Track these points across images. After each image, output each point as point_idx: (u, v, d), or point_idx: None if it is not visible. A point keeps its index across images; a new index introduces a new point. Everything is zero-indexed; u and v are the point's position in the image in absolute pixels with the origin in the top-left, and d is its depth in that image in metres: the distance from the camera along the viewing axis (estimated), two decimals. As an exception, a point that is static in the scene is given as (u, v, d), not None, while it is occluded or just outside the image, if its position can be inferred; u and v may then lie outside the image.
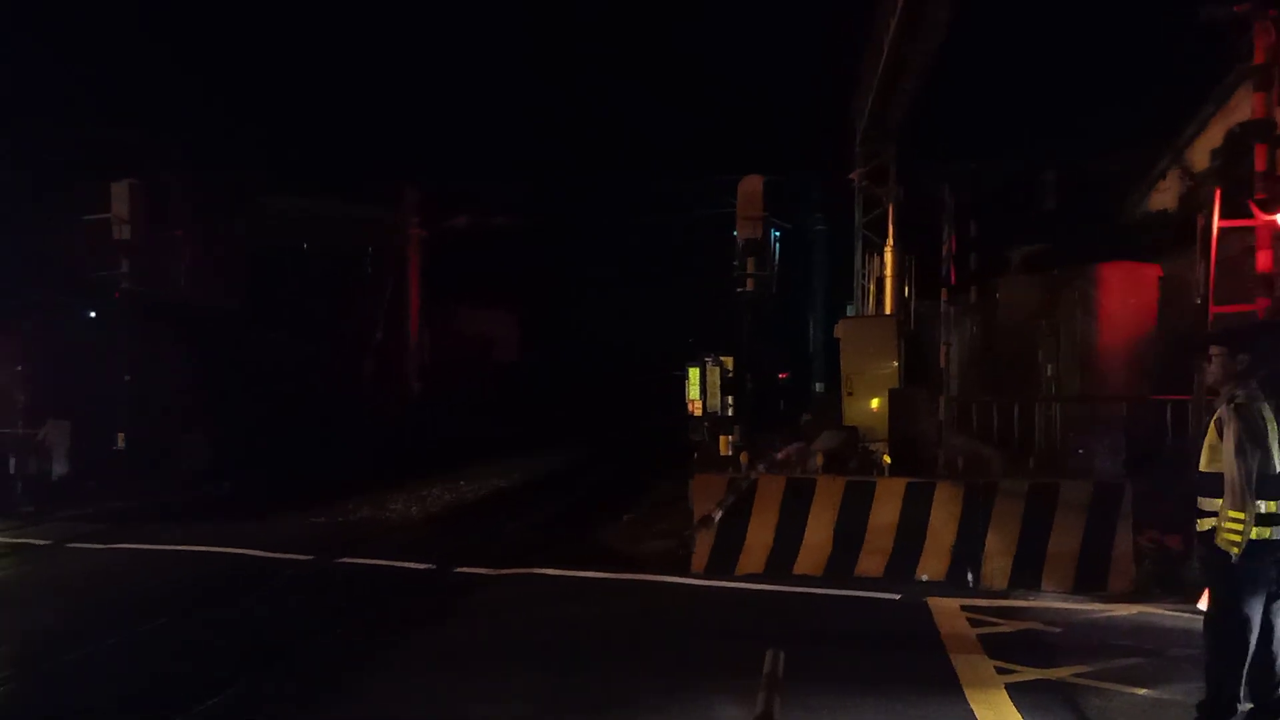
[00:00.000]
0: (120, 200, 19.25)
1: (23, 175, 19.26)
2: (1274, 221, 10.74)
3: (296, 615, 9.19)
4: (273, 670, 7.42)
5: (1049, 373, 14.08)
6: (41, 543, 12.67)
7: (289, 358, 22.94)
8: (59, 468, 16.92)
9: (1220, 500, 5.62)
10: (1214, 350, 6.01)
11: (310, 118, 25.54)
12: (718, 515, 9.85)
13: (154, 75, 21.69)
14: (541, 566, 10.82)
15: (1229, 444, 5.58)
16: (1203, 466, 5.86)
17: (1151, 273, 13.32)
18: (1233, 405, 5.65)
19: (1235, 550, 5.50)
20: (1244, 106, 12.88)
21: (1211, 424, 5.84)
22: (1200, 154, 18.55)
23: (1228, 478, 5.57)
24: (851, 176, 20.99)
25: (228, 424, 19.80)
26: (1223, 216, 10.93)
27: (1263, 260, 11.09)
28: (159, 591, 10.02)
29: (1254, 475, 5.53)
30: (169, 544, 12.38)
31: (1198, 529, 5.94)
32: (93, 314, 19.45)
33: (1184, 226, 12.83)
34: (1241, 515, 5.50)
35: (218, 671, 7.24)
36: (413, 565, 11.09)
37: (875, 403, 15.60)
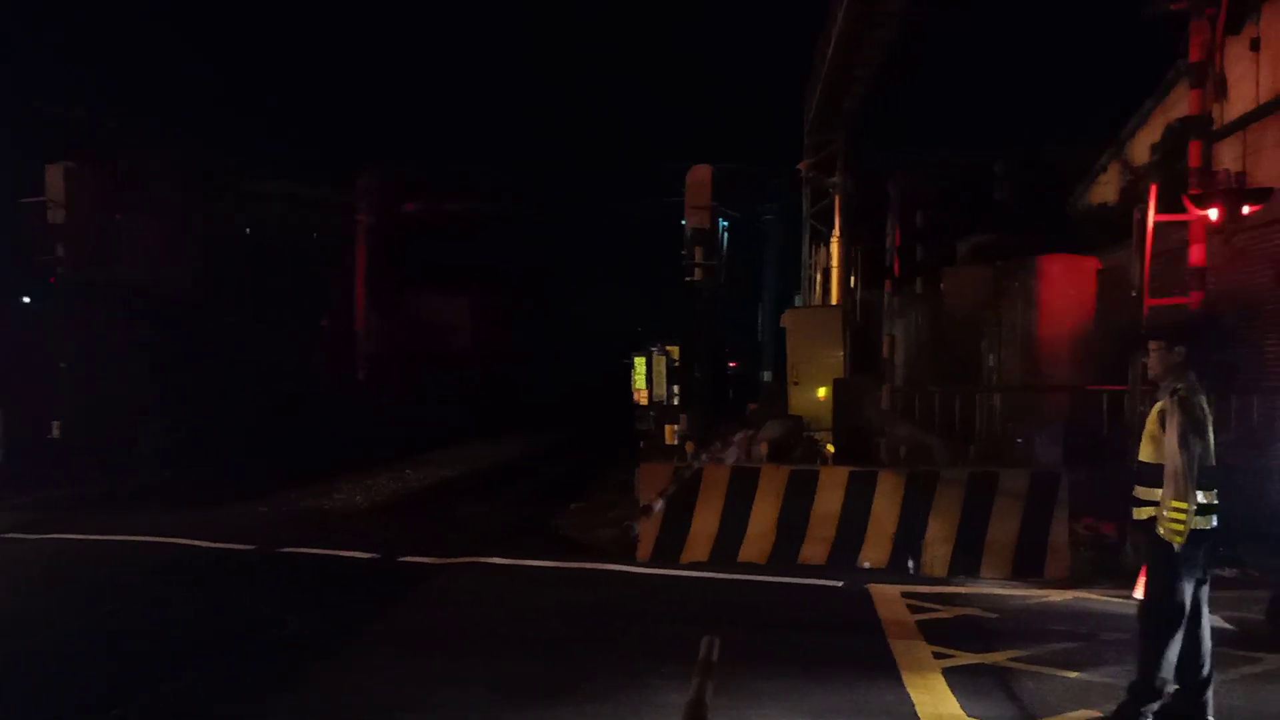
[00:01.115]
0: (55, 183, 18.80)
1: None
2: (1207, 216, 10.98)
3: (240, 606, 9.03)
4: (217, 661, 7.29)
5: (991, 363, 14.31)
6: (-28, 533, 12.36)
7: (238, 344, 22.55)
8: (-7, 456, 16.52)
9: (1160, 490, 5.72)
10: (1153, 344, 6.10)
11: (278, 102, 25.15)
12: (658, 505, 9.88)
13: (105, 55, 21.19)
14: (488, 555, 10.77)
15: (1172, 435, 5.67)
16: (1144, 457, 5.95)
17: (1090, 265, 13.58)
18: (1176, 397, 5.74)
19: (1178, 539, 5.60)
20: (1184, 102, 13.14)
21: (1153, 415, 5.93)
22: (1141, 148, 18.89)
23: (1170, 468, 5.67)
24: (799, 167, 21.10)
25: (172, 411, 19.44)
26: (1159, 211, 11.16)
27: (1196, 254, 11.34)
28: (95, 583, 9.81)
29: (1196, 466, 5.64)
30: (106, 534, 12.07)
31: (1135, 518, 6.05)
32: (27, 300, 18.97)
33: (1124, 220, 13.07)
34: (1184, 505, 5.61)
35: (160, 664, 7.11)
36: (358, 555, 10.98)
37: (822, 392, 15.73)
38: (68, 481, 15.92)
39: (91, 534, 12.14)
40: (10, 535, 12.23)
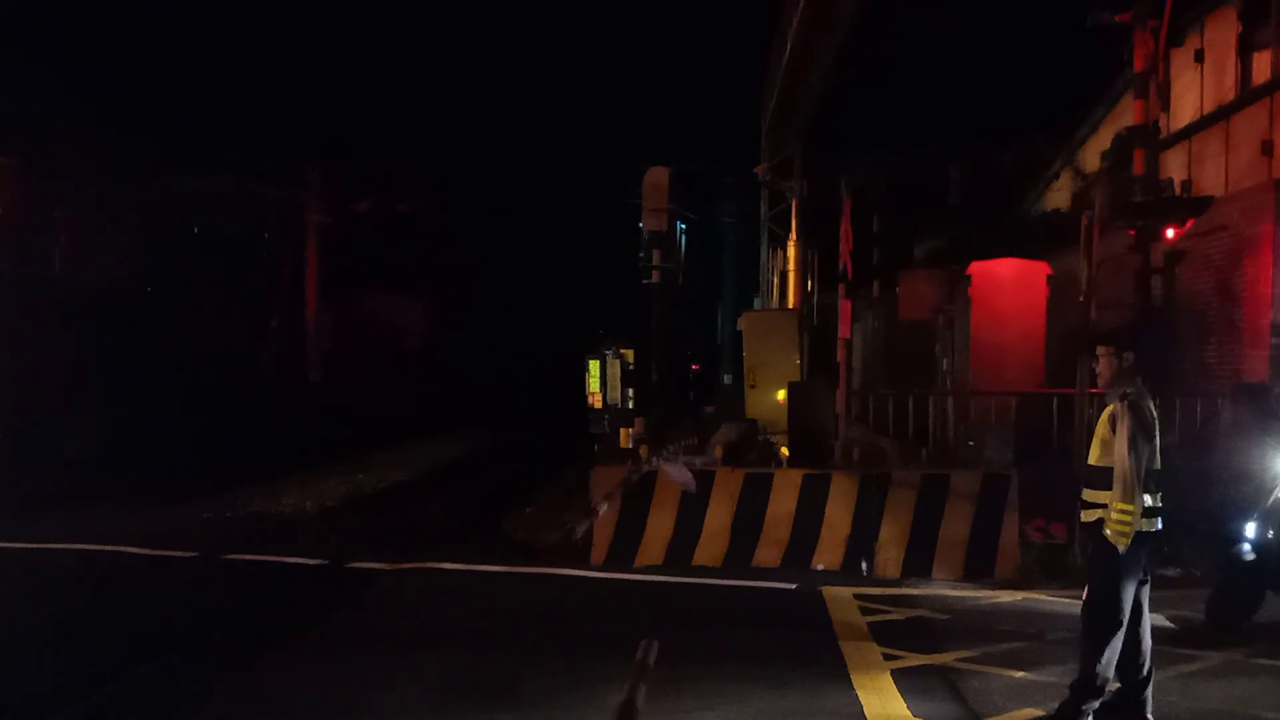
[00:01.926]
0: (-10, 177, 18.34)
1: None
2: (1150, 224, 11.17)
3: (180, 614, 8.84)
4: (155, 668, 7.12)
5: (945, 366, 14.44)
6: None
7: (179, 342, 22.09)
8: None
9: (1107, 493, 5.77)
10: (1101, 349, 6.15)
11: (209, 92, 24.65)
12: (603, 507, 9.86)
13: (33, 41, 20.67)
14: (439, 560, 10.65)
15: (1122, 439, 5.73)
16: (1092, 460, 6.01)
17: (1040, 269, 13.74)
18: (1126, 402, 5.79)
19: (1124, 541, 5.66)
20: (1131, 111, 13.35)
21: (1103, 419, 5.98)
22: (1091, 155, 19.24)
23: (1118, 471, 5.72)
24: (757, 170, 21.18)
25: (113, 411, 18.98)
26: (1104, 217, 11.33)
27: (1140, 261, 11.53)
28: (34, 591, 9.57)
29: (1143, 470, 5.71)
30: (41, 541, 11.62)
31: (1083, 520, 6.13)
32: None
33: (1075, 225, 13.27)
34: (1130, 507, 5.66)
35: (94, 672, 6.95)
36: (305, 561, 10.79)
37: (781, 394, 15.77)
38: (5, 485, 15.46)
39: (21, 541, 11.62)
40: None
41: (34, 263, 19.31)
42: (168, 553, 11.11)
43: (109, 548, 11.37)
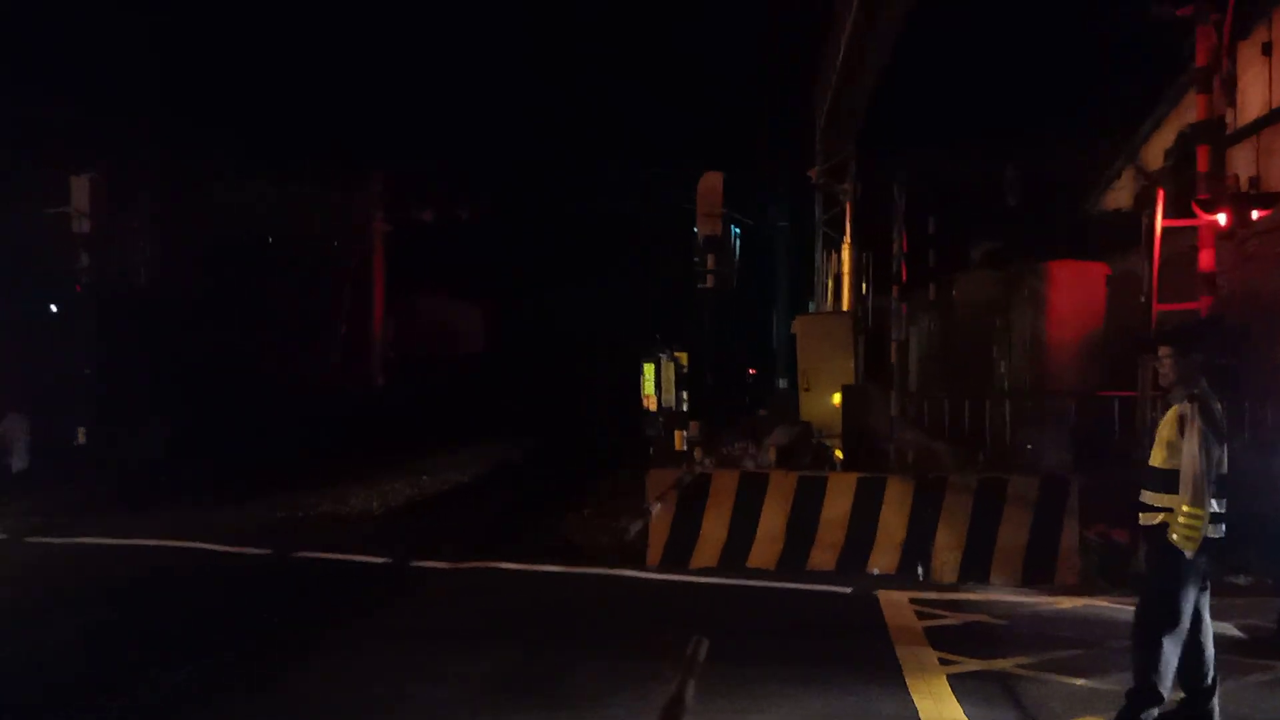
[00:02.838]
0: (80, 194, 19.01)
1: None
2: (1215, 221, 10.97)
3: (249, 606, 9.20)
4: (222, 657, 7.48)
5: (1002, 369, 14.30)
6: (-3, 537, 12.54)
7: (251, 349, 22.73)
8: (18, 462, 16.73)
9: (1171, 496, 5.68)
10: (1164, 350, 6.04)
11: (282, 106, 25.20)
12: (656, 508, 9.94)
13: (116, 62, 21.35)
14: (499, 560, 10.85)
15: (1191, 441, 5.61)
16: (1155, 462, 5.89)
17: (1099, 271, 13.57)
18: (1197, 403, 5.69)
19: (1192, 546, 5.56)
20: (1196, 107, 13.12)
21: (1168, 421, 5.86)
22: (1155, 153, 18.85)
23: (1187, 474, 5.61)
24: (810, 174, 21.13)
25: (188, 416, 19.60)
26: (1170, 216, 11.16)
27: (1205, 259, 11.32)
28: (115, 584, 10.03)
29: (1214, 473, 5.60)
30: (127, 538, 12.25)
31: (1144, 523, 5.99)
32: (53, 307, 19.21)
33: (1137, 225, 13.08)
34: (1200, 512, 5.55)
35: (168, 659, 7.30)
36: (370, 559, 11.09)
37: (835, 398, 15.74)
38: (91, 486, 16.10)
39: (112, 538, 12.31)
40: (35, 539, 12.43)
41: (113, 273, 19.99)
42: (242, 549, 11.58)
43: (187, 544, 11.88)
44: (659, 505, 9.86)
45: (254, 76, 24.57)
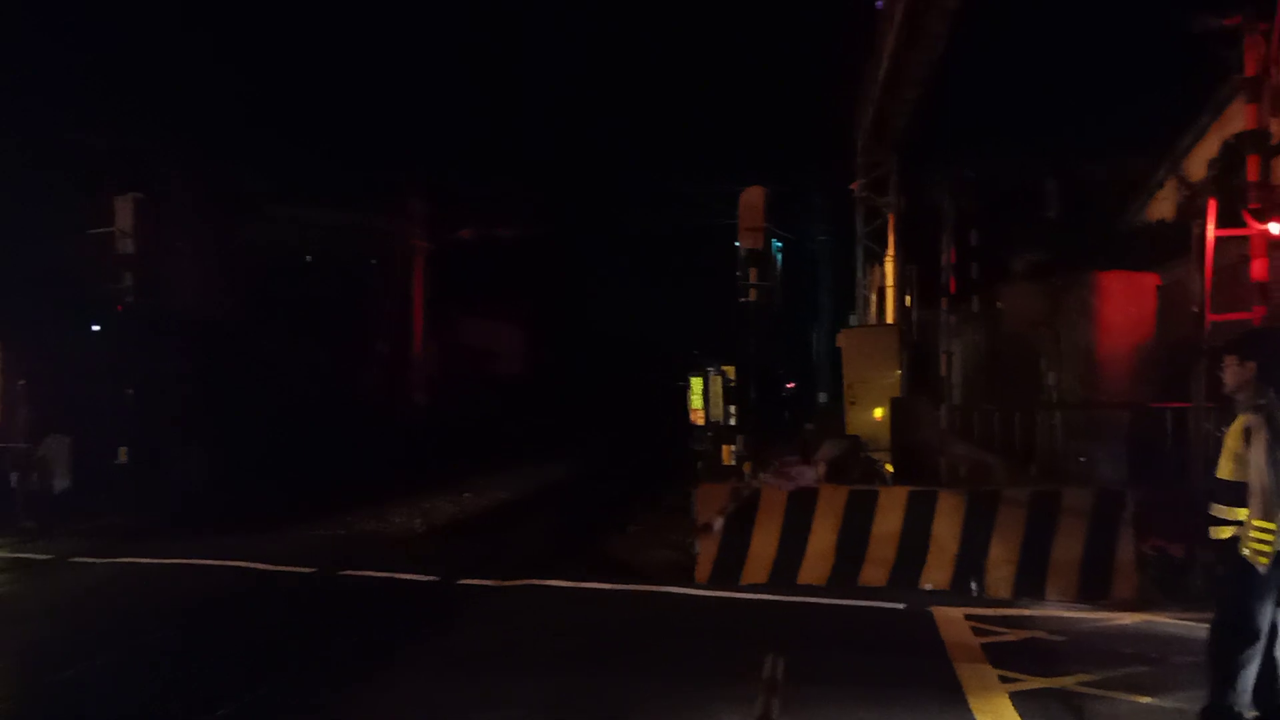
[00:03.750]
0: (124, 214, 19.28)
1: (25, 186, 19.32)
2: (1267, 230, 10.79)
3: (299, 627, 9.21)
4: (276, 681, 7.44)
5: (1051, 381, 14.12)
6: (42, 558, 12.64)
7: (292, 369, 22.93)
8: (60, 483, 16.85)
9: (1242, 509, 5.56)
10: (1227, 358, 5.95)
11: (316, 126, 25.53)
12: (718, 523, 9.86)
13: (156, 83, 21.70)
14: (546, 578, 10.82)
15: (1259, 452, 5.49)
16: (1225, 475, 5.73)
17: (1150, 281, 13.39)
18: (1264, 414, 5.56)
19: (1263, 561, 5.44)
20: (1240, 116, 12.95)
21: (1234, 432, 5.74)
22: (1197, 163, 18.60)
23: (1256, 486, 5.48)
24: (852, 187, 21.08)
25: (230, 436, 19.78)
26: (1218, 225, 10.99)
27: (1258, 268, 11.14)
28: (161, 605, 10.07)
29: None
30: (170, 558, 12.33)
31: (1214, 537, 5.82)
32: (96, 328, 19.46)
33: (1182, 235, 12.88)
34: (1271, 525, 5.43)
35: (220, 684, 7.27)
36: (417, 577, 11.09)
37: (879, 412, 15.63)
38: (133, 507, 16.25)
39: (155, 557, 12.40)
40: (79, 559, 12.55)
41: (159, 294, 20.24)
42: (288, 568, 11.60)
43: (233, 562, 11.93)
44: (721, 520, 9.79)
45: (296, 94, 24.92)
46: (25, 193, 19.37)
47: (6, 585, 11.16)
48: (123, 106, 20.90)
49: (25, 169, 19.42)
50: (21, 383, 15.77)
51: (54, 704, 7.17)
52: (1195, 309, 11.21)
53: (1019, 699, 6.69)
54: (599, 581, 10.64)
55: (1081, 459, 11.20)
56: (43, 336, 17.82)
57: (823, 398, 26.90)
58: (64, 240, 19.58)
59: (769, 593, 9.89)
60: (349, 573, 11.44)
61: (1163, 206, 20.39)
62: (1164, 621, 8.76)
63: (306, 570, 11.51)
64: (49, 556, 12.73)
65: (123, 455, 17.77)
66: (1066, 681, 7.07)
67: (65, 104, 20.20)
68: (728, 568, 10.32)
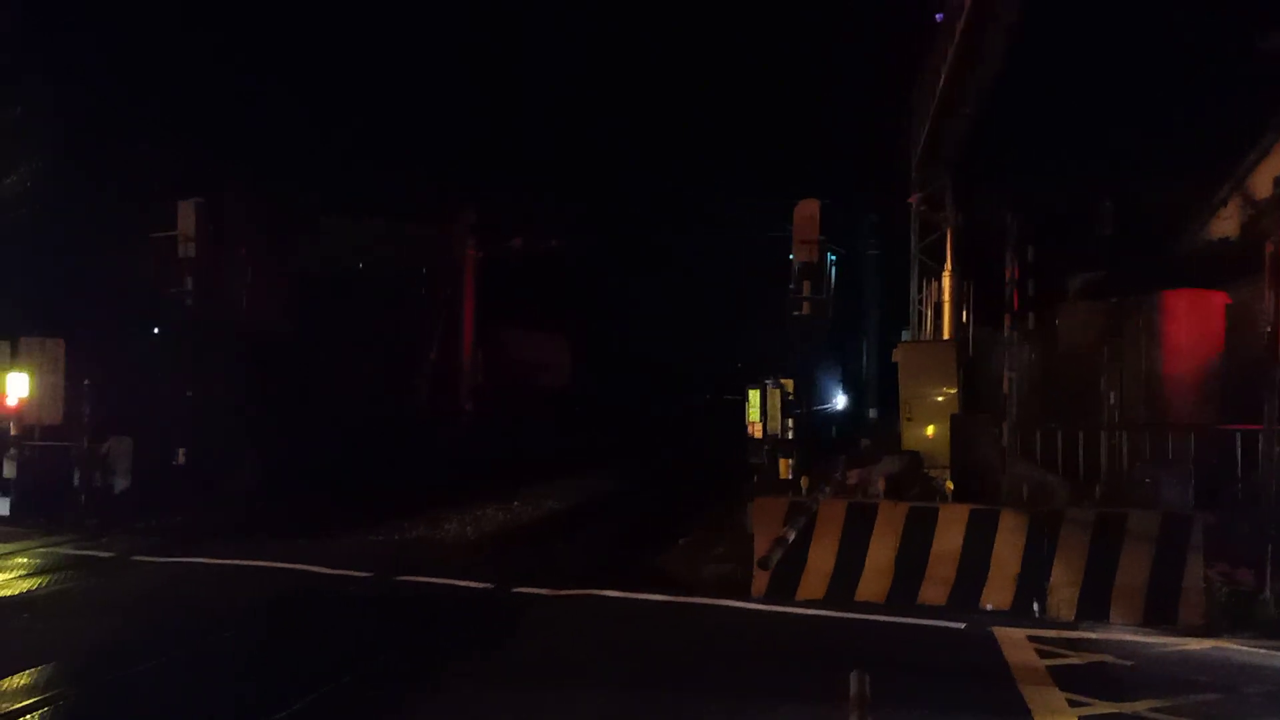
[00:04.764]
0: (186, 218, 19.63)
1: (89, 194, 19.76)
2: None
3: (358, 632, 9.30)
4: (336, 687, 7.50)
5: (1112, 401, 13.86)
6: (105, 555, 12.89)
7: (344, 374, 23.16)
8: (121, 482, 17.14)
9: None
10: None
11: (370, 138, 25.84)
12: (791, 536, 9.77)
13: (218, 94, 22.10)
14: (599, 588, 10.81)
15: None
16: None
17: (1218, 300, 13.12)
18: None
19: None
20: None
21: None
22: (1263, 181, 18.28)
23: None
24: (910, 201, 20.93)
25: (284, 440, 20.01)
26: (1284, 244, 10.74)
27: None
28: (221, 606, 10.23)
29: None
30: (229, 559, 12.53)
31: None
32: (157, 331, 19.81)
33: (1247, 254, 12.63)
34: None
35: (279, 688, 7.36)
36: (471, 584, 11.14)
37: (931, 429, 15.44)
38: (191, 508, 16.50)
39: (213, 558, 12.61)
40: (138, 559, 12.78)
41: (218, 300, 20.58)
42: (345, 572, 11.72)
43: (289, 565, 12.10)
44: (794, 534, 9.71)
45: (350, 105, 25.24)
46: (90, 200, 19.82)
47: (74, 582, 11.37)
48: (191, 117, 21.33)
49: (89, 177, 19.88)
50: (86, 383, 16.08)
51: (119, 701, 7.30)
52: (1267, 328, 10.97)
53: (1089, 723, 6.59)
54: (652, 593, 10.61)
55: (1146, 481, 10.98)
56: (106, 339, 18.18)
57: (872, 414, 26.66)
58: (127, 245, 19.98)
59: (825, 609, 9.82)
60: (405, 578, 11.53)
61: (1226, 225, 20.03)
62: (1234, 649, 8.59)
63: (363, 574, 11.62)
64: (111, 554, 12.97)
65: (181, 457, 18.05)
66: (1138, 707, 6.94)
67: (133, 111, 20.66)
68: (784, 583, 10.24)
